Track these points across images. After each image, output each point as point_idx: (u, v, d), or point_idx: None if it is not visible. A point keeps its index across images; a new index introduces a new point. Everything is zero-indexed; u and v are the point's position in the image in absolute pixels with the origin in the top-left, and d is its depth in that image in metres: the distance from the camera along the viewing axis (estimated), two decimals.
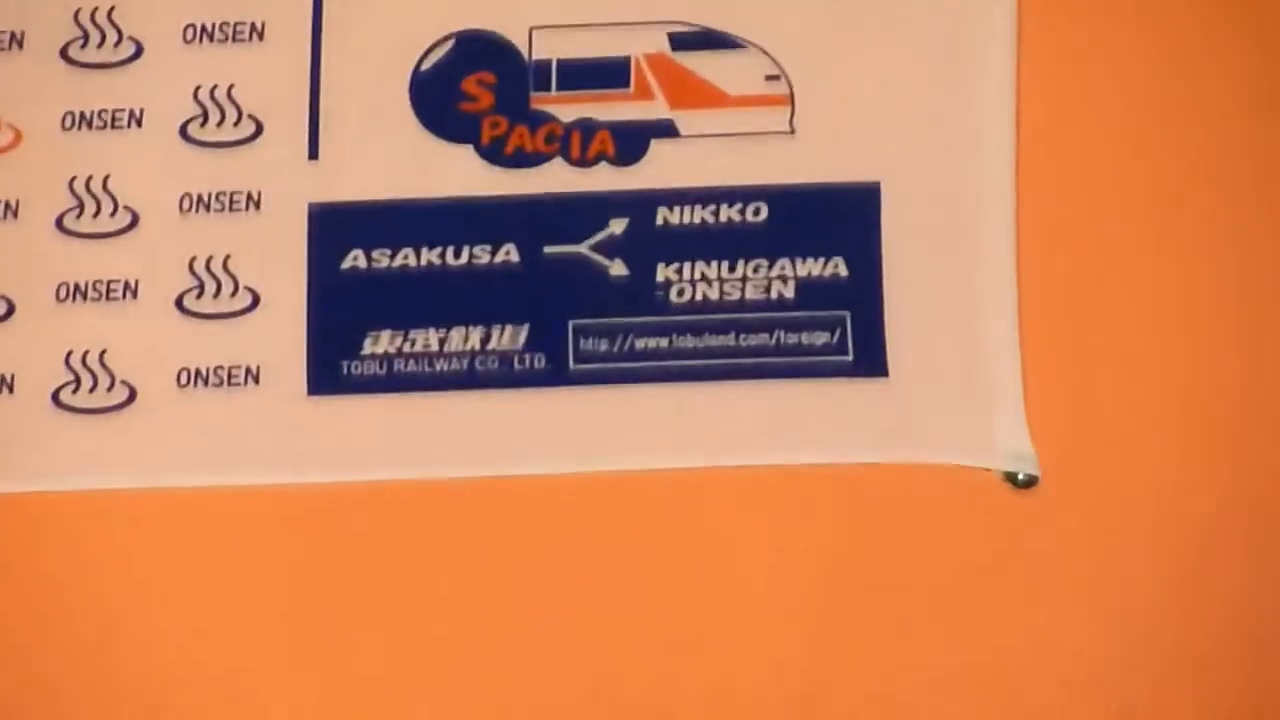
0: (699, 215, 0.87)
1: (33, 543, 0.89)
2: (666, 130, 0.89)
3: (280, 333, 0.88)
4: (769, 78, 0.90)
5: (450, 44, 0.90)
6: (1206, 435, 0.88)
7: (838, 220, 0.87)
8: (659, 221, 0.88)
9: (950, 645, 0.87)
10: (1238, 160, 0.92)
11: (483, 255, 0.90)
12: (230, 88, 0.89)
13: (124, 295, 0.89)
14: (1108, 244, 0.88)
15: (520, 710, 0.85)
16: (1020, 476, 0.84)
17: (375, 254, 0.89)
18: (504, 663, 0.85)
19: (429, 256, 0.90)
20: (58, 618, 0.89)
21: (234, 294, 0.88)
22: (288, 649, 0.86)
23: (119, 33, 0.91)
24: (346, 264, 0.89)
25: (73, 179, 0.89)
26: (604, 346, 0.87)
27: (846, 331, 0.85)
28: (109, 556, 0.89)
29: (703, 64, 0.92)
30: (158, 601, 0.89)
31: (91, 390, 0.89)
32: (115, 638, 0.88)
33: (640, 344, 0.87)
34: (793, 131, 0.89)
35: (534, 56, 0.94)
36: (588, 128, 0.89)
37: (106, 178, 0.89)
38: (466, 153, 0.89)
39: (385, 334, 0.88)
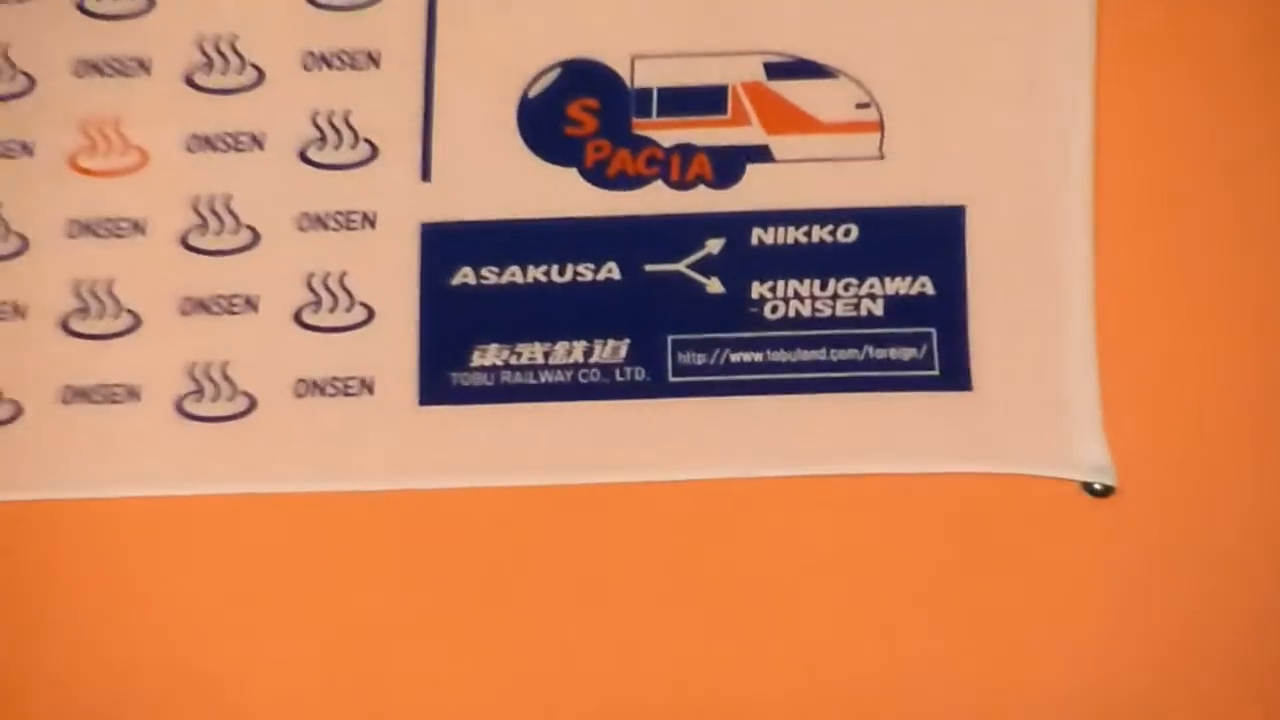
0: (792, 235, 0.90)
1: (158, 547, 0.93)
2: (762, 155, 0.92)
3: (393, 345, 0.91)
4: (859, 105, 0.93)
5: (556, 72, 0.94)
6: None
7: (924, 241, 0.90)
8: (754, 241, 0.90)
9: (1025, 648, 0.90)
10: None
11: (586, 272, 0.93)
12: (347, 113, 0.92)
13: (245, 309, 0.93)
14: (1183, 259, 0.91)
15: (623, 703, 0.89)
16: (1097, 486, 0.86)
17: (483, 271, 0.92)
18: (607, 657, 0.88)
19: (534, 274, 0.93)
20: (180, 619, 0.92)
21: (349, 309, 0.91)
22: (403, 647, 0.89)
23: (241, 60, 0.94)
24: (456, 280, 0.93)
25: (196, 198, 0.92)
26: (701, 360, 0.90)
27: (933, 347, 0.88)
28: (229, 559, 0.92)
29: (796, 92, 0.94)
30: (275, 602, 0.91)
31: (214, 399, 0.93)
32: (231, 637, 0.91)
33: (735, 358, 0.90)
34: (882, 156, 0.92)
35: (636, 84, 0.96)
36: (686, 152, 0.91)
37: (229, 197, 0.93)
38: (571, 175, 0.92)
39: (493, 347, 0.91)
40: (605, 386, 0.90)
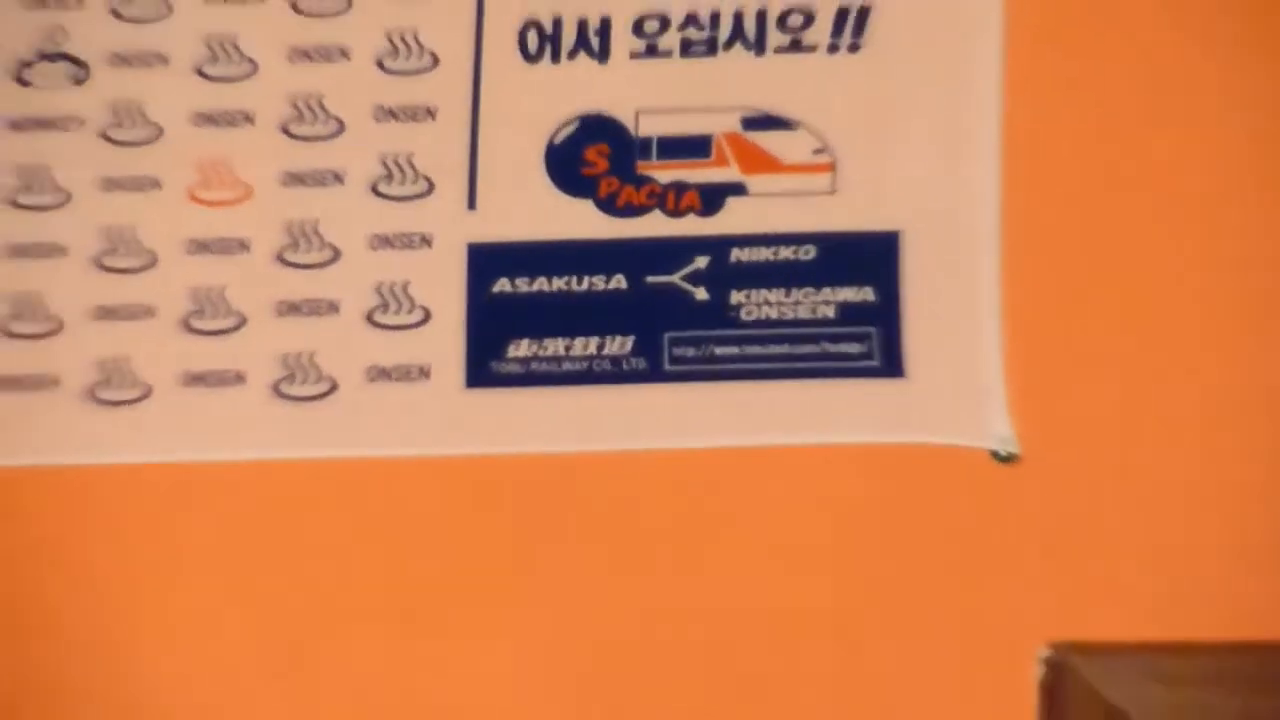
0: (763, 254, 1.07)
1: (261, 501, 1.12)
2: (739, 190, 1.08)
3: (445, 340, 1.08)
4: (816, 151, 1.08)
5: (576, 124, 1.09)
6: (1157, 419, 1.08)
7: (868, 259, 1.06)
8: (732, 259, 1.07)
9: (943, 579, 1.09)
10: (1195, 206, 1.12)
11: (599, 283, 1.08)
12: (410, 155, 1.09)
13: (328, 311, 1.10)
14: (1075, 274, 1.09)
15: (635, 609, 1.07)
16: (1003, 454, 1.04)
17: (517, 281, 1.08)
18: (614, 579, 1.08)
19: (558, 283, 1.08)
20: (276, 556, 1.11)
21: (410, 311, 1.08)
22: (453, 576, 1.09)
23: (326, 114, 1.12)
24: (496, 289, 1.08)
25: (290, 223, 1.10)
26: (691, 353, 1.07)
27: (874, 343, 1.05)
28: (314, 511, 1.12)
29: (766, 140, 1.09)
30: (349, 543, 1.10)
31: (303, 383, 1.10)
32: (316, 570, 1.10)
33: (718, 351, 1.07)
34: (834, 191, 1.07)
35: (639, 133, 1.11)
36: (680, 188, 1.08)
37: (316, 222, 1.10)
38: (587, 206, 1.08)
39: (525, 342, 1.08)
40: (614, 374, 1.07)
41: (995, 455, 1.07)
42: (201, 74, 1.19)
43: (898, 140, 1.13)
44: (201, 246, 1.13)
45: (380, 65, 1.13)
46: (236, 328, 1.12)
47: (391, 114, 1.14)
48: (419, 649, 1.15)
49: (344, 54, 1.15)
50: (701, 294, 1.12)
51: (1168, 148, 1.22)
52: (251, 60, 1.16)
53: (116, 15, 1.19)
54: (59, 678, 1.20)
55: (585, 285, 1.11)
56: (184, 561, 1.16)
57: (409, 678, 1.14)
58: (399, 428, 1.11)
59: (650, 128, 1.13)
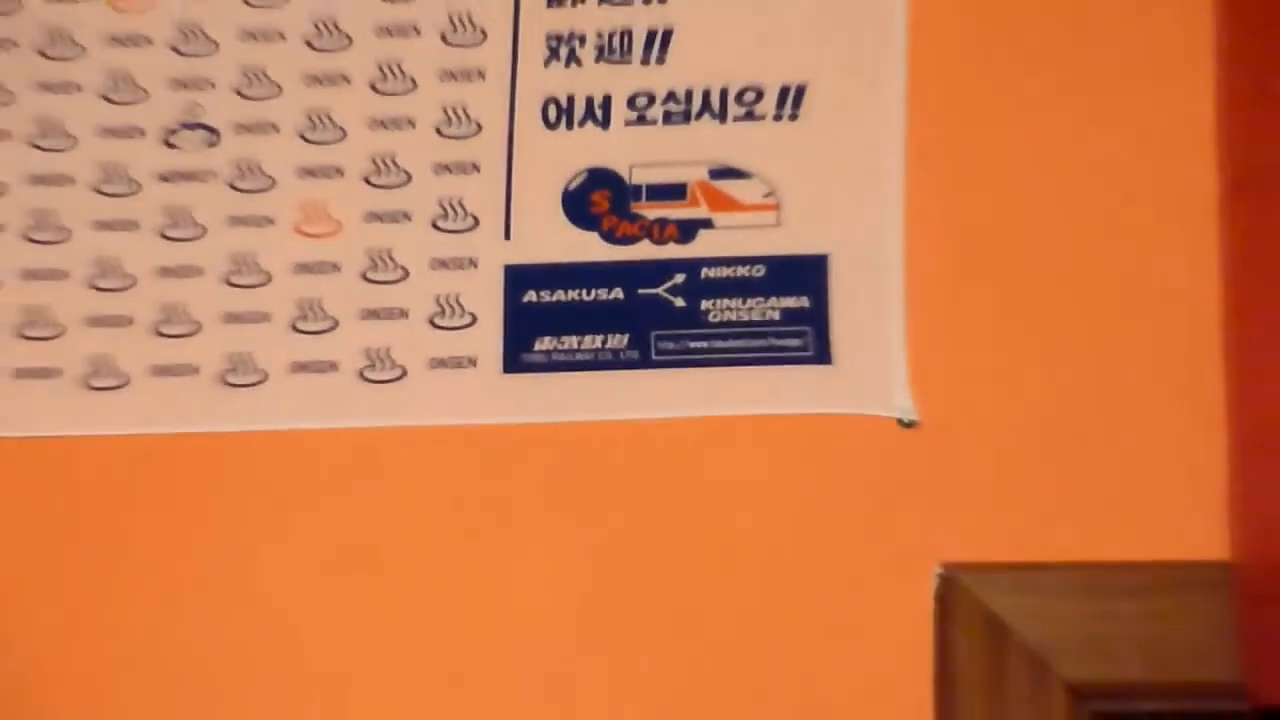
0: (725, 272, 1.24)
1: (348, 459, 1.28)
2: (708, 224, 1.25)
3: (488, 338, 1.25)
4: (765, 195, 1.26)
5: (585, 175, 1.27)
6: (1027, 390, 1.23)
7: (804, 275, 1.24)
8: (702, 276, 1.24)
9: (860, 520, 1.24)
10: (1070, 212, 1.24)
11: (602, 294, 1.25)
12: (461, 199, 1.26)
13: (400, 316, 1.26)
14: (965, 283, 1.25)
15: (635, 546, 1.23)
16: (905, 420, 1.21)
17: (541, 293, 1.25)
18: (618, 519, 1.24)
19: (571, 295, 1.25)
20: (358, 505, 1.28)
21: (462, 316, 1.25)
22: (496, 516, 1.26)
23: (398, 168, 1.28)
24: (525, 299, 1.26)
25: (370, 250, 1.27)
26: (671, 346, 1.24)
27: (809, 338, 1.23)
28: (387, 470, 1.28)
29: (728, 187, 1.26)
30: (420, 487, 1.27)
31: (381, 370, 1.25)
32: (398, 511, 1.27)
33: (691, 345, 1.24)
34: (779, 225, 1.25)
35: (632, 181, 1.27)
36: (663, 223, 1.25)
37: (390, 250, 1.27)
38: (593, 237, 1.26)
39: (547, 339, 1.25)
40: (613, 362, 1.25)
41: (900, 422, 1.23)
42: (304, 139, 1.31)
43: (826, 186, 1.27)
44: (304, 268, 1.30)
45: (438, 131, 1.28)
46: (331, 329, 1.28)
47: (447, 168, 1.30)
48: (474, 561, 1.27)
49: (410, 123, 1.29)
50: (679, 302, 1.26)
51: (1042, 177, 1.29)
52: (341, 128, 1.30)
53: (240, 95, 1.31)
54: (205, 628, 1.31)
55: (592, 296, 1.27)
56: (292, 502, 1.29)
57: (468, 584, 1.26)
58: (453, 404, 1.28)
59: (640, 177, 1.29)
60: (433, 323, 1.28)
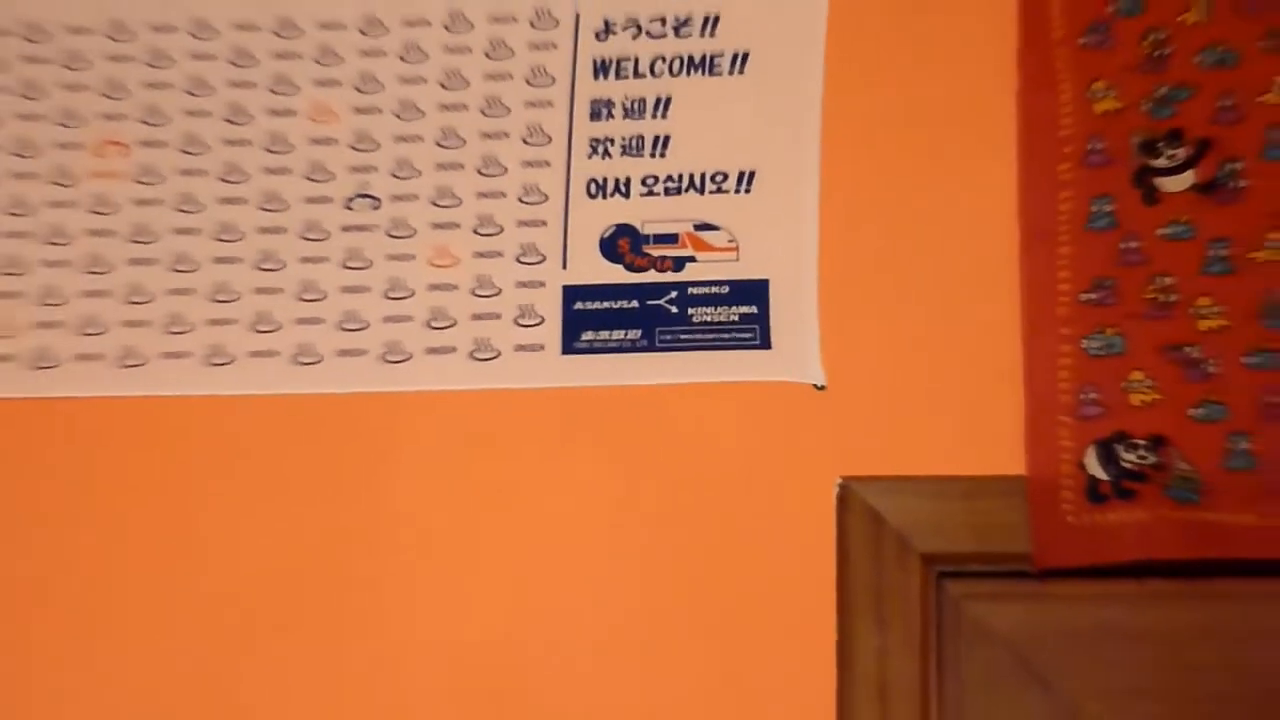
0: (704, 290, 1.50)
1: (461, 414, 1.54)
2: (692, 260, 1.51)
3: (552, 332, 1.52)
4: (729, 241, 1.52)
5: (614, 229, 1.53)
6: (910, 352, 1.50)
7: (753, 293, 1.50)
8: (689, 293, 1.50)
9: (784, 451, 1.51)
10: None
11: (624, 304, 1.51)
12: (534, 243, 1.53)
13: (495, 318, 1.52)
14: (863, 297, 1.53)
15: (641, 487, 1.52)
16: (818, 385, 1.48)
17: (586, 303, 1.52)
18: (630, 453, 1.52)
19: (605, 304, 1.52)
20: (477, 440, 1.55)
21: (535, 318, 1.52)
22: (553, 450, 1.55)
23: (494, 223, 1.53)
24: (576, 307, 1.52)
25: (478, 276, 1.51)
26: (669, 338, 1.50)
27: (757, 333, 1.49)
28: (489, 416, 1.54)
29: (705, 236, 1.52)
30: (505, 429, 1.55)
31: (484, 352, 1.51)
32: (492, 445, 1.55)
33: (683, 337, 1.50)
34: (738, 260, 1.51)
35: (644, 232, 1.53)
36: (663, 258, 1.51)
37: (490, 276, 1.51)
38: (619, 268, 1.53)
39: (589, 332, 1.52)
40: (631, 348, 1.51)
41: (815, 386, 1.50)
42: (434, 204, 1.57)
43: (768, 236, 1.53)
44: (435, 287, 1.55)
45: (520, 200, 1.55)
46: (451, 326, 1.54)
47: (526, 224, 1.57)
48: (535, 479, 1.56)
49: (503, 195, 1.55)
50: (674, 310, 1.52)
51: (899, 228, 1.55)
52: (458, 198, 1.56)
53: (394, 176, 1.57)
54: (367, 540, 1.56)
55: (618, 305, 1.53)
56: (427, 438, 1.57)
57: (529, 498, 1.56)
58: (529, 374, 1.53)
59: (649, 230, 1.55)
60: (517, 322, 1.53)
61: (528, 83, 1.57)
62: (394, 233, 1.59)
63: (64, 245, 1.62)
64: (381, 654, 1.53)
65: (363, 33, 1.60)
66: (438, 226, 1.58)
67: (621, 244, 1.56)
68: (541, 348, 1.56)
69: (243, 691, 1.54)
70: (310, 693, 1.53)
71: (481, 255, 1.59)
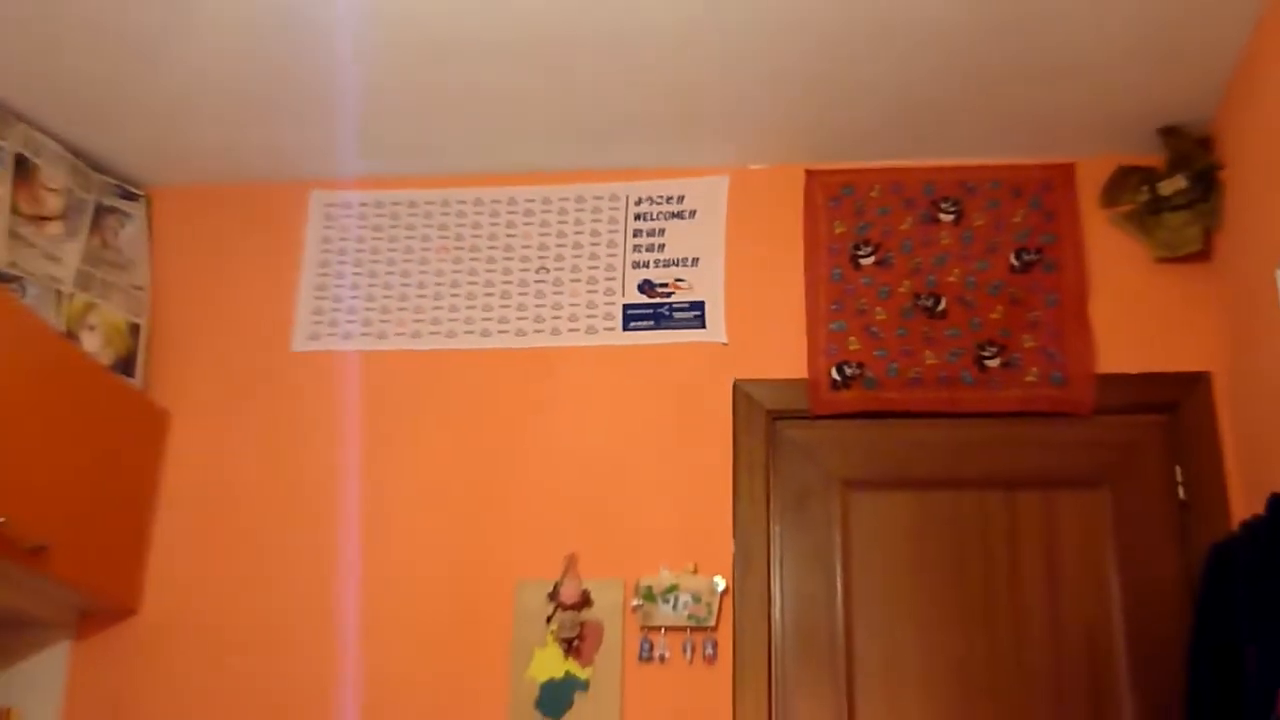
0: (679, 303, 3.59)
1: (597, 360, 3.71)
2: (673, 293, 3.67)
3: (615, 321, 3.64)
4: (689, 284, 3.65)
5: (643, 280, 3.63)
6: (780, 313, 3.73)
7: (699, 305, 3.59)
8: (673, 305, 3.56)
9: (708, 375, 3.66)
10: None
11: (646, 310, 3.63)
12: (611, 287, 3.73)
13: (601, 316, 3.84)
14: (748, 302, 3.72)
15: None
16: (723, 342, 3.54)
17: (630, 311, 3.62)
18: (648, 370, 3.71)
19: (639, 310, 3.62)
20: (596, 368, 3.70)
21: (611, 320, 3.72)
22: (615, 371, 3.71)
23: (554, 284, 3.80)
24: (629, 313, 3.63)
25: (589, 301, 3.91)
26: (666, 323, 3.61)
27: (701, 320, 3.62)
28: (602, 365, 3.73)
29: (680, 282, 3.63)
30: (600, 362, 3.79)
31: (588, 330, 3.82)
32: (598, 372, 3.74)
33: (671, 322, 3.62)
34: (692, 291, 3.62)
35: (655, 282, 3.64)
36: (663, 291, 3.69)
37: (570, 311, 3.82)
38: (644, 296, 3.63)
39: (635, 322, 3.65)
40: (650, 328, 3.66)
41: (722, 343, 3.51)
42: (575, 279, 3.86)
43: (705, 282, 3.62)
44: (574, 304, 3.80)
45: (605, 275, 3.79)
46: (582, 318, 3.74)
47: (612, 280, 3.84)
48: (608, 389, 3.52)
49: (601, 270, 3.86)
50: (668, 312, 3.55)
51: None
52: (581, 279, 3.93)
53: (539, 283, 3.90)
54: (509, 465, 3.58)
55: (645, 310, 3.60)
56: (563, 385, 3.60)
57: (599, 400, 3.56)
58: (611, 340, 3.57)
59: (656, 280, 3.65)
60: (606, 317, 3.69)
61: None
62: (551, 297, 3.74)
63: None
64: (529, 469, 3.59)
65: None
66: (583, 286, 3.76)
67: (644, 288, 3.63)
68: (614, 329, 3.67)
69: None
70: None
71: (592, 291, 3.71)
